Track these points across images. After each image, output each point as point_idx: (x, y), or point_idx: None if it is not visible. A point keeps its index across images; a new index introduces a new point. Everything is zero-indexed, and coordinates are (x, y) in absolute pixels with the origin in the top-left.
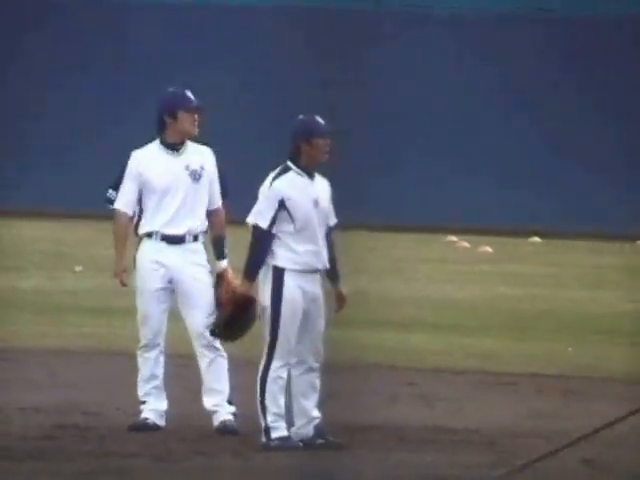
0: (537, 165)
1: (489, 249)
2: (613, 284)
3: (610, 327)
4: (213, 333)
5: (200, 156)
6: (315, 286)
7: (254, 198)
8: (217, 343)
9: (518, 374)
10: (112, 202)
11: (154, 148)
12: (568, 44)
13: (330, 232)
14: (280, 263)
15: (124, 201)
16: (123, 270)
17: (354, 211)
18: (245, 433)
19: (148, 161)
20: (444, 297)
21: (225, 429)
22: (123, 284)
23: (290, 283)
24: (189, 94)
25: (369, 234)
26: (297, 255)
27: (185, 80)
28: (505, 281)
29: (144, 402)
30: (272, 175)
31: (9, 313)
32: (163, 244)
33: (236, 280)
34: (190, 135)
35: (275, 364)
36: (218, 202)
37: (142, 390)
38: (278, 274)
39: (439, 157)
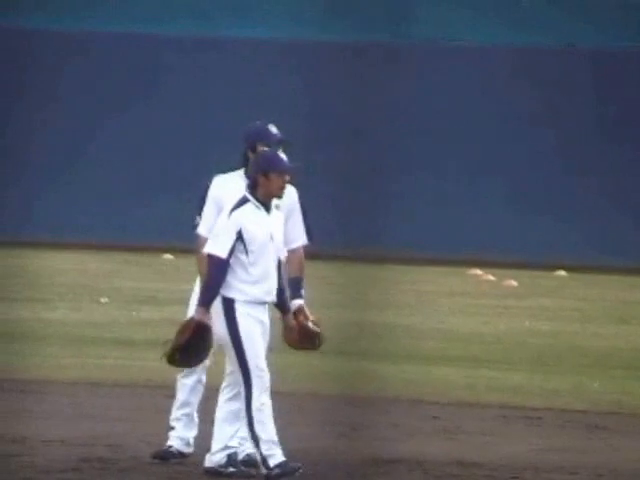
0: (562, 196)
1: (514, 283)
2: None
3: (636, 362)
4: (168, 359)
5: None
6: (263, 315)
7: None
8: None
9: (543, 408)
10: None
11: (238, 178)
12: (594, 75)
13: (280, 264)
14: (230, 294)
15: (204, 224)
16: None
17: (373, 245)
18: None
19: (226, 186)
20: (469, 331)
21: (246, 463)
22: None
23: (242, 311)
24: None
25: (394, 267)
26: (248, 286)
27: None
28: (530, 315)
29: (172, 428)
30: (230, 206)
31: (34, 345)
32: None
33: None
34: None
35: (255, 393)
36: (299, 241)
37: (173, 415)
38: (229, 305)
39: (462, 189)
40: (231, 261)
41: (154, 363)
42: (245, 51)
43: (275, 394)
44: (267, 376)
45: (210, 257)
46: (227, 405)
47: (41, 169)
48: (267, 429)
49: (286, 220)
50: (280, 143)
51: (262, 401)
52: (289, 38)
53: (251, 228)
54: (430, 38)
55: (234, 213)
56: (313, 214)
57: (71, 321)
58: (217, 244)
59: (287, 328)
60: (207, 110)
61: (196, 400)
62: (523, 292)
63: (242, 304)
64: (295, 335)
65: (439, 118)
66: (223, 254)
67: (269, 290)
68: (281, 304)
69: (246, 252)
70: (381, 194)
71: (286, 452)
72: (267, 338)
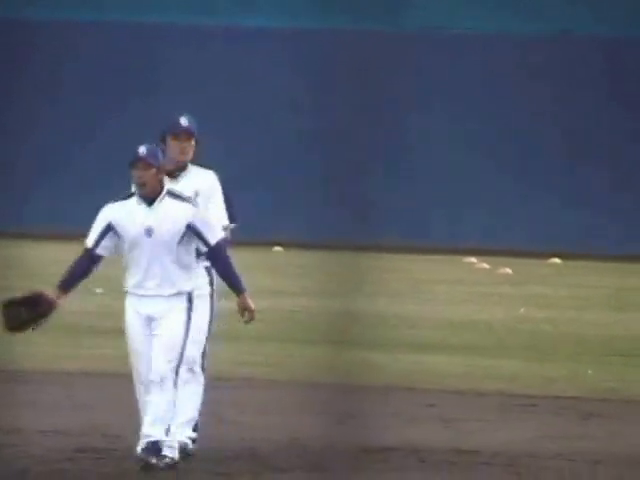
0: (559, 183)
1: (509, 270)
2: (635, 306)
3: (631, 349)
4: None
5: (199, 180)
6: (147, 307)
7: None
8: (196, 367)
9: (538, 396)
10: None
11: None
12: (592, 63)
13: (214, 250)
14: (125, 285)
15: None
16: None
17: (372, 232)
18: (265, 455)
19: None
20: (464, 318)
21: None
22: None
23: (127, 302)
24: (182, 119)
25: (388, 256)
26: (129, 278)
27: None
28: (525, 303)
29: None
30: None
31: (28, 335)
32: None
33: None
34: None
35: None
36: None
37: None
38: (126, 298)
39: (456, 177)
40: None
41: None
42: (245, 40)
43: (273, 383)
44: (140, 369)
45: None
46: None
47: (35, 160)
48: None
49: (207, 204)
50: (187, 134)
51: (137, 396)
52: (287, 27)
53: (121, 222)
54: (426, 27)
55: (107, 206)
56: (309, 201)
57: (66, 311)
58: (89, 235)
59: (240, 310)
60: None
61: None
62: (517, 280)
63: (128, 295)
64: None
65: (437, 111)
66: (89, 243)
67: (139, 284)
68: (230, 287)
69: (123, 244)
70: (376, 184)
71: (285, 440)
72: (160, 330)
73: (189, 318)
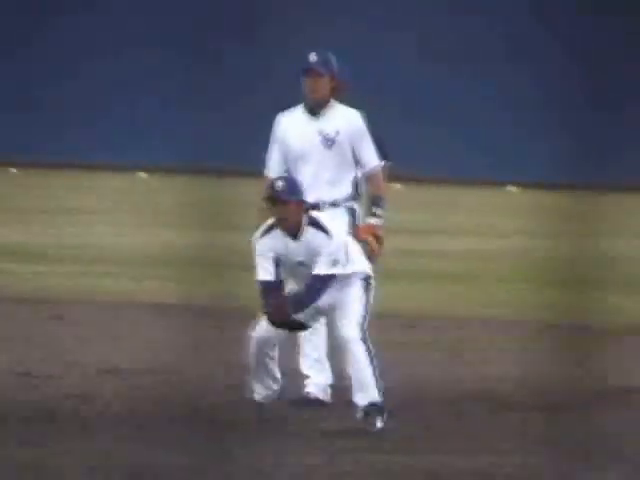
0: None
1: None
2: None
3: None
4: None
5: (339, 120)
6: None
7: None
8: None
9: None
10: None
11: (298, 111)
12: None
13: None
14: None
15: (270, 165)
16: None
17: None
18: (502, 394)
19: (288, 125)
20: None
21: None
22: None
23: None
24: (311, 56)
25: (632, 195)
26: None
27: None
28: None
29: (307, 376)
30: None
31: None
32: None
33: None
34: (311, 101)
35: None
36: (371, 164)
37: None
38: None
39: None
40: None
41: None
42: None
43: (511, 323)
44: None
45: None
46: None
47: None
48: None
49: (353, 145)
50: (315, 72)
51: None
52: None
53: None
54: None
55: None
56: (546, 144)
57: None
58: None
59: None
60: None
61: (322, 343)
62: None
63: None
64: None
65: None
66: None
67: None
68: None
69: None
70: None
71: (522, 380)
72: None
73: None
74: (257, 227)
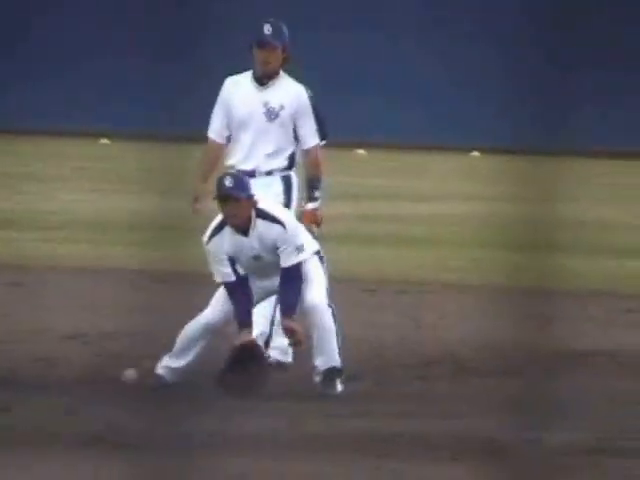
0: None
1: None
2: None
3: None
4: None
5: (285, 94)
6: None
7: None
8: None
9: None
10: None
11: (246, 79)
12: None
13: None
14: None
15: (213, 128)
16: (195, 199)
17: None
18: (463, 359)
19: (234, 91)
20: None
21: None
22: (194, 211)
23: None
24: (266, 27)
25: (591, 161)
26: None
27: None
28: None
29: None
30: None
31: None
32: None
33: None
34: (261, 72)
35: None
36: (310, 142)
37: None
38: None
39: None
40: None
41: None
42: None
43: (471, 288)
44: None
45: None
46: None
47: None
48: None
49: (295, 122)
50: (269, 44)
51: None
52: None
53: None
54: None
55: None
56: (503, 111)
57: None
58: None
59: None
60: None
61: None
62: None
63: None
64: None
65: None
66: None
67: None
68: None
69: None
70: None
71: (483, 344)
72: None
73: None
74: (193, 192)
